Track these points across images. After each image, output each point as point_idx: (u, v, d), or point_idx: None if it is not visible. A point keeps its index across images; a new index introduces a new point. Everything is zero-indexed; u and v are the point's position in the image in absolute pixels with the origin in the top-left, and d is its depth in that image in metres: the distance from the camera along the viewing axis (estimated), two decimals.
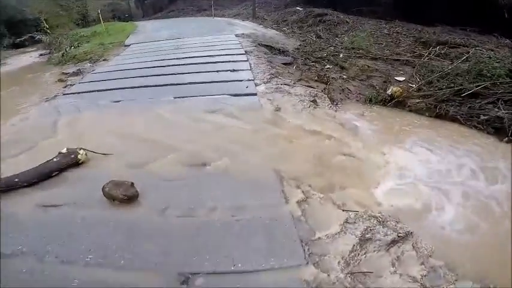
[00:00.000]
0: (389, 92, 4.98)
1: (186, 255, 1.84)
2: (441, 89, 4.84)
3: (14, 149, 3.07)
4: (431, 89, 4.97)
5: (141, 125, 3.45)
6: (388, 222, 2.22)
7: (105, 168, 2.70)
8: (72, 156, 2.73)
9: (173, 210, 2.19)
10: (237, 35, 7.92)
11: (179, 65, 5.63)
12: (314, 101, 4.02)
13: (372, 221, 2.19)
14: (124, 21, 15.71)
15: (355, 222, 2.15)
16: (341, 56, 6.76)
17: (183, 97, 4.18)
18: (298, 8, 12.15)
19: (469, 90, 4.52)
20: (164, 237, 1.98)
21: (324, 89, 5.06)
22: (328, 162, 2.78)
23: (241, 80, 4.64)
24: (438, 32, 8.21)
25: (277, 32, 9.38)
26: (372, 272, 1.80)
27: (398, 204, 2.49)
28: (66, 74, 6.17)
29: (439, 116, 4.31)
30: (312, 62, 6.48)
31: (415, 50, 7.09)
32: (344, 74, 5.91)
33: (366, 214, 2.24)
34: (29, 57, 9.75)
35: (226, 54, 5.97)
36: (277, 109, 3.65)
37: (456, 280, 1.83)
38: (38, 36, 11.58)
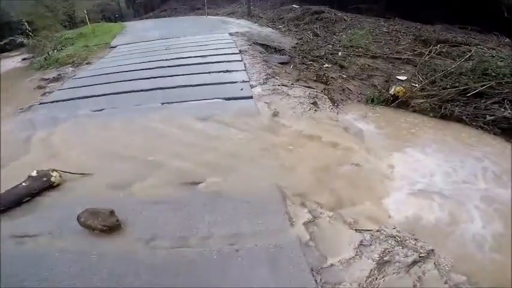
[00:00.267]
0: (392, 91, 4.78)
1: None
2: (445, 88, 4.68)
3: None
4: (435, 88, 4.80)
5: (125, 138, 3.10)
6: (407, 241, 1.97)
7: (83, 191, 2.39)
8: (44, 179, 2.42)
9: (162, 240, 1.90)
10: (231, 34, 7.57)
11: (168, 66, 5.25)
12: (314, 103, 3.74)
13: (389, 241, 1.93)
14: (113, 22, 15.21)
15: (371, 244, 1.89)
16: (340, 54, 6.51)
17: (171, 102, 3.83)
18: (294, 5, 11.88)
19: (474, 90, 4.37)
20: (153, 273, 1.69)
21: (324, 89, 4.80)
22: (335, 174, 2.51)
23: (235, 82, 4.30)
24: (438, 30, 8.04)
25: (273, 30, 9.09)
26: None
27: (414, 217, 2.30)
28: (46, 79, 5.74)
29: (443, 117, 4.16)
30: (310, 60, 6.21)
31: (416, 49, 6.89)
32: (344, 73, 5.66)
33: (382, 234, 1.98)
34: (11, 61, 9.23)
35: (219, 54, 5.61)
36: (276, 114, 3.34)
37: None
38: (20, 40, 11.00)
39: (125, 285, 1.64)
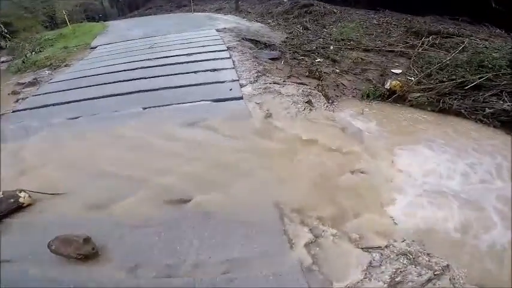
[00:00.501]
0: (387, 86, 4.62)
1: None
2: (442, 81, 4.55)
3: None
4: (432, 81, 4.66)
5: (102, 150, 2.78)
6: (420, 258, 1.78)
7: (56, 213, 2.12)
8: (12, 200, 2.17)
9: (146, 268, 1.65)
10: (218, 30, 7.23)
11: (151, 67, 4.89)
12: (309, 102, 3.51)
13: (400, 260, 1.74)
14: (96, 22, 14.61)
15: (380, 265, 1.69)
16: (331, 48, 6.29)
17: (154, 107, 3.50)
18: None
19: (472, 83, 4.24)
20: None
21: (317, 85, 4.58)
22: (335, 183, 2.29)
23: (223, 82, 3.99)
24: (428, 21, 7.91)
25: (262, 25, 8.78)
26: None
27: (425, 225, 2.11)
28: (22, 84, 5.30)
29: (442, 111, 4.02)
30: (301, 55, 5.97)
31: (408, 41, 6.73)
32: (337, 68, 5.45)
33: (392, 252, 1.77)
34: None
35: (206, 52, 5.27)
36: (268, 115, 3.08)
37: None
38: None
39: None
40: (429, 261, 1.76)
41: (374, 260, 1.69)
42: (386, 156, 2.73)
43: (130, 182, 2.32)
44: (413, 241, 1.91)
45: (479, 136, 3.39)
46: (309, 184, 2.22)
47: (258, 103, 3.33)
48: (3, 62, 8.57)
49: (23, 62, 7.14)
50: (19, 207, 2.18)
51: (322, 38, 6.96)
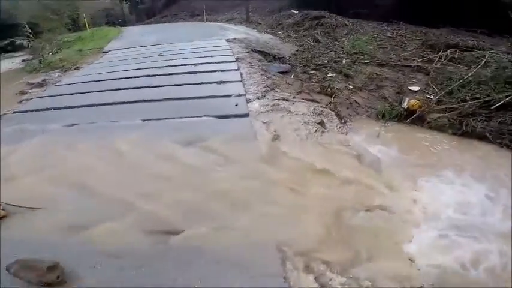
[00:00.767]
0: (405, 105, 4.30)
1: None
2: (464, 100, 4.19)
3: None
4: (453, 100, 4.31)
5: (91, 164, 2.60)
6: None
7: (27, 230, 1.95)
8: None
9: None
10: (228, 40, 7.15)
11: (158, 75, 4.77)
12: (321, 123, 3.26)
13: None
14: (115, 26, 15.08)
15: None
16: (344, 62, 6.05)
17: (153, 119, 3.33)
18: (293, 10, 11.51)
19: (498, 102, 3.87)
20: None
21: (329, 103, 4.33)
22: (348, 221, 2.01)
23: (229, 95, 3.78)
24: (444, 34, 7.60)
25: (272, 37, 8.68)
26: None
27: (448, 269, 1.81)
28: (31, 84, 5.36)
29: (464, 134, 3.66)
30: (312, 69, 5.76)
31: (424, 55, 6.42)
32: (350, 84, 5.19)
33: None
34: (11, 62, 8.89)
35: (213, 62, 5.14)
36: (276, 137, 2.82)
37: None
38: (19, 41, 10.82)
39: None
40: None
41: None
42: (406, 189, 2.43)
43: (115, 204, 2.12)
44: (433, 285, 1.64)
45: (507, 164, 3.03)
46: (318, 222, 1.95)
47: (264, 122, 3.09)
48: (23, 60, 8.84)
49: (40, 62, 7.32)
50: None
51: (334, 51, 6.74)
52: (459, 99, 4.23)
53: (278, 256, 1.67)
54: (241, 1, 14.58)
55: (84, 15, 13.38)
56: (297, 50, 6.97)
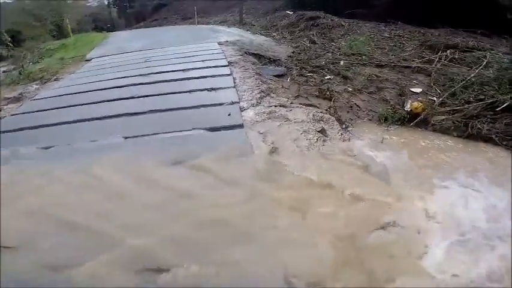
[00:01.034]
0: (407, 107, 4.14)
1: None
2: (469, 102, 4.04)
3: None
4: (457, 102, 4.15)
5: (68, 194, 2.29)
6: None
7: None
8: None
9: None
10: (220, 43, 6.86)
11: (143, 84, 4.41)
12: (322, 131, 3.01)
13: None
14: (102, 32, 14.65)
15: None
16: (342, 63, 5.85)
17: (137, 136, 2.98)
18: (288, 11, 11.32)
19: (503, 103, 3.72)
20: None
21: (329, 107, 4.10)
22: (361, 244, 1.76)
23: (222, 104, 3.46)
24: (443, 34, 7.48)
25: (267, 38, 8.45)
26: None
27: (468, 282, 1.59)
28: (8, 99, 4.93)
29: (469, 136, 3.51)
30: (309, 72, 5.53)
31: (423, 55, 6.28)
32: (349, 86, 4.97)
33: None
34: None
35: (204, 68, 4.82)
36: (274, 150, 2.55)
37: None
38: None
39: None
40: None
41: None
42: (419, 201, 2.20)
43: (97, 240, 1.84)
44: None
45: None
46: (329, 246, 1.70)
47: (261, 133, 2.81)
48: (4, 71, 8.34)
49: (20, 73, 6.81)
50: None
51: (331, 53, 6.54)
52: (463, 101, 4.08)
53: None
54: (235, 2, 14.33)
55: (68, 20, 12.93)
56: (293, 52, 6.74)
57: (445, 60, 5.78)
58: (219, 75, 4.42)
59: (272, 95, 4.01)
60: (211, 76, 4.37)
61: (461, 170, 2.68)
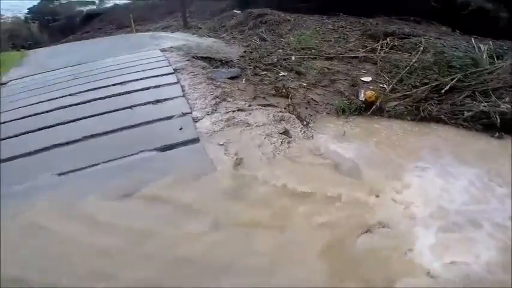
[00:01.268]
0: (361, 97, 4.26)
1: None
2: (416, 86, 4.29)
3: None
4: (405, 87, 4.38)
5: (9, 247, 1.74)
6: None
7: None
8: None
9: None
10: (163, 50, 6.25)
11: (74, 105, 3.71)
12: (285, 132, 2.81)
13: None
14: (21, 50, 12.54)
15: None
16: (293, 58, 5.81)
17: (73, 171, 2.43)
18: (235, 10, 11.07)
19: (446, 85, 4.00)
20: None
21: (288, 105, 3.96)
22: (351, 250, 1.61)
23: (170, 117, 3.03)
24: (380, 23, 7.96)
25: (216, 40, 8.08)
26: None
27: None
28: None
29: (422, 119, 3.72)
30: (263, 70, 5.36)
31: (366, 44, 6.57)
32: (303, 81, 4.93)
33: None
34: None
35: (146, 78, 4.25)
36: (238, 162, 2.25)
37: None
38: None
39: None
40: None
41: None
42: (396, 193, 2.13)
43: None
44: None
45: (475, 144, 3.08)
46: (319, 260, 1.50)
47: (221, 144, 2.48)
48: None
49: None
50: None
51: (282, 49, 6.48)
52: (410, 86, 4.34)
53: None
54: (177, 6, 13.55)
55: None
56: (245, 51, 6.52)
57: (386, 48, 6.10)
58: (165, 85, 3.92)
59: (228, 99, 3.70)
60: (155, 87, 3.83)
61: (426, 152, 2.72)
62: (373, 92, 4.11)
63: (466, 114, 3.56)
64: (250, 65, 5.53)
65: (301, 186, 1.98)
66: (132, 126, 2.94)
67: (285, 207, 1.86)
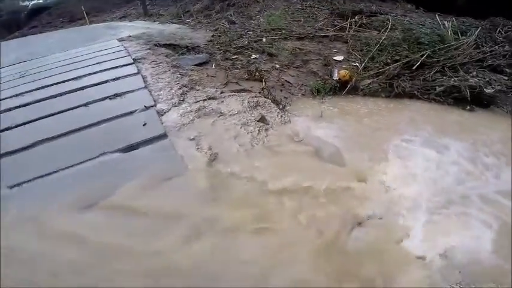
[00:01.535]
0: (335, 76, 4.21)
1: None
2: (387, 63, 4.31)
3: None
4: (377, 65, 4.39)
5: None
6: None
7: None
8: None
9: None
10: (121, 40, 5.59)
11: (20, 106, 3.17)
12: (262, 119, 2.61)
13: None
14: None
15: None
16: (264, 40, 5.59)
17: (27, 182, 2.06)
18: None
19: (417, 62, 4.06)
20: None
21: (262, 89, 3.78)
22: (345, 247, 1.48)
23: (132, 112, 2.65)
24: (348, 1, 7.89)
25: (180, 26, 7.52)
26: None
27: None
28: None
29: (396, 95, 3.77)
30: (234, 54, 5.07)
31: (335, 23, 6.51)
32: (276, 63, 4.75)
33: None
34: None
35: (102, 70, 3.74)
36: (213, 158, 2.02)
37: None
38: None
39: None
40: None
41: None
42: (385, 175, 2.06)
43: None
44: None
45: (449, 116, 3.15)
46: (313, 261, 1.37)
47: (192, 139, 2.21)
48: None
49: None
50: None
51: (252, 31, 6.19)
52: (382, 63, 4.35)
53: None
54: None
55: None
56: (213, 36, 6.12)
57: (355, 26, 6.06)
58: (124, 77, 3.45)
59: (197, 87, 3.39)
60: (113, 79, 3.35)
61: (405, 128, 2.69)
62: (347, 71, 4.06)
63: (438, 89, 3.64)
64: (219, 50, 5.20)
65: (285, 180, 1.82)
66: (89, 126, 2.53)
67: (269, 205, 1.69)
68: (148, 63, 3.94)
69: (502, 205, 1.80)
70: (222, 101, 3.02)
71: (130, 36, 5.92)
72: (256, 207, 1.66)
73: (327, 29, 6.21)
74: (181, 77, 3.59)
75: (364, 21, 6.13)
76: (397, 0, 7.87)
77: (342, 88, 3.89)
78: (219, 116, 2.62)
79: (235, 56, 4.95)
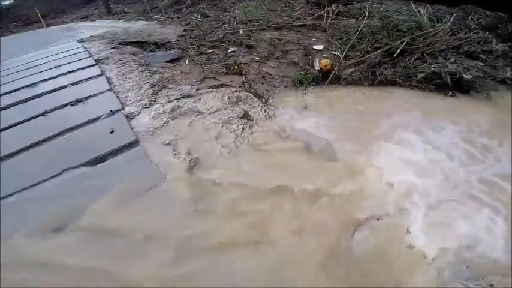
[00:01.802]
0: (317, 66, 4.06)
1: None
2: (368, 52, 4.22)
3: None
4: (358, 53, 4.28)
5: None
6: None
7: None
8: None
9: None
10: (82, 41, 5.07)
11: None
12: (245, 115, 2.38)
13: None
14: None
15: None
16: (241, 32, 5.33)
17: None
18: None
19: (397, 49, 3.99)
20: None
21: (243, 82, 3.54)
22: (349, 253, 1.31)
23: (96, 119, 2.34)
24: None
25: (148, 22, 7.05)
26: None
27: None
28: None
29: (379, 83, 3.68)
30: (209, 48, 4.77)
31: (312, 12, 6.36)
32: (255, 55, 4.52)
33: None
34: None
35: (61, 75, 3.31)
36: (193, 163, 1.76)
37: None
38: None
39: None
40: None
41: None
42: (378, 168, 1.90)
43: None
44: None
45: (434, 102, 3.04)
46: (318, 271, 1.18)
47: (167, 143, 1.94)
48: None
49: None
50: None
51: (228, 23, 5.90)
52: (363, 52, 4.26)
53: None
54: None
55: None
56: (184, 30, 5.76)
57: (332, 14, 5.95)
58: (85, 80, 3.05)
59: (170, 85, 3.09)
60: (73, 84, 2.95)
61: (393, 116, 2.56)
62: (328, 60, 3.93)
63: (419, 75, 3.60)
64: (193, 44, 4.87)
65: (275, 182, 1.60)
66: (49, 138, 2.17)
67: (260, 214, 1.47)
68: (113, 63, 3.54)
69: (501, 188, 1.73)
70: (199, 99, 2.75)
71: (91, 36, 5.38)
72: (246, 217, 1.44)
73: (305, 18, 6.05)
74: (151, 76, 3.26)
75: (341, 10, 6.04)
76: None
77: (324, 78, 3.75)
78: (196, 116, 2.36)
79: (211, 50, 4.65)
